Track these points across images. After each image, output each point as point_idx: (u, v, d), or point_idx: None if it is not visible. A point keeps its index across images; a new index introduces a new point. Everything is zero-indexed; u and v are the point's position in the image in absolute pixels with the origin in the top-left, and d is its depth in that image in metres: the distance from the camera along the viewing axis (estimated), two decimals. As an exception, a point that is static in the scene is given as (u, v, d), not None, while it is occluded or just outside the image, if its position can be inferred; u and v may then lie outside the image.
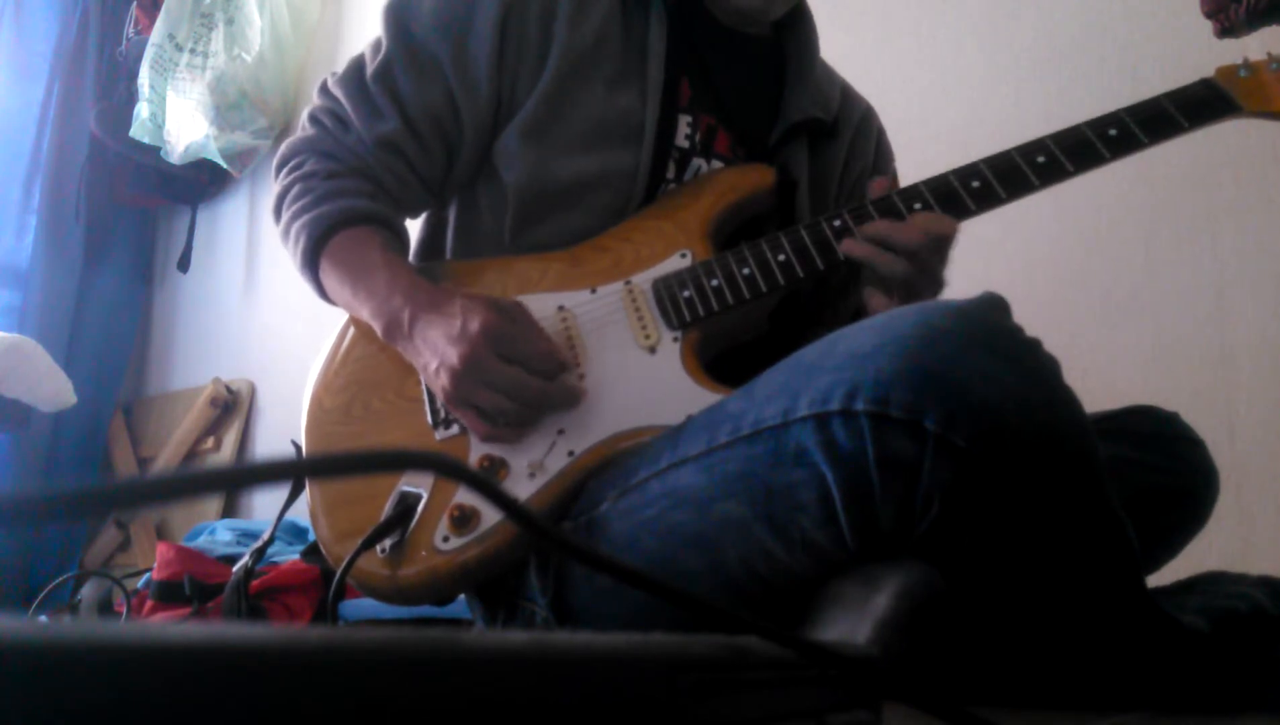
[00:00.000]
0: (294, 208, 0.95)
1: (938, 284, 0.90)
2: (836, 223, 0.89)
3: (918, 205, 0.89)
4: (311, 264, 0.94)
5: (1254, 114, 0.91)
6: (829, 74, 1.12)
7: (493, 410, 0.83)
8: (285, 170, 0.99)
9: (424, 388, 0.90)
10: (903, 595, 0.61)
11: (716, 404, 0.79)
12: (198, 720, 0.19)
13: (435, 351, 0.84)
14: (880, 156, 1.14)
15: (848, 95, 1.13)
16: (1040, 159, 0.88)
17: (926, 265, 0.87)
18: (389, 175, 0.97)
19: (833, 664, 0.36)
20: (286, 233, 0.96)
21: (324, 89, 1.01)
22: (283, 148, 1.01)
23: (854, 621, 0.60)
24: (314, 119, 1.01)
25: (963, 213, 0.88)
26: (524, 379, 0.82)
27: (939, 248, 0.88)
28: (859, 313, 1.03)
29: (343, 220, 0.93)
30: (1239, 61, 0.91)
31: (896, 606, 0.60)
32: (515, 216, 0.96)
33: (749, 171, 0.98)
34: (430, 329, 0.85)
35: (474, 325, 0.82)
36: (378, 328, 0.90)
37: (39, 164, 3.08)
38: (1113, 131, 0.88)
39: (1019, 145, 0.90)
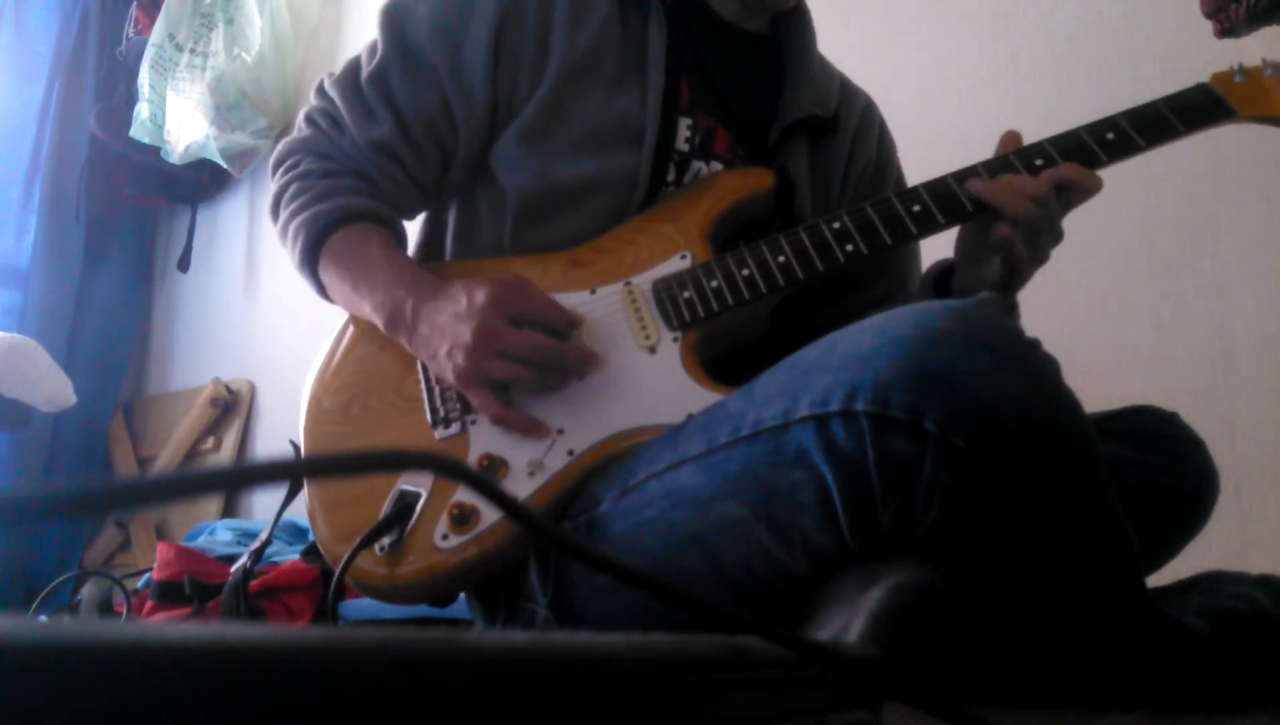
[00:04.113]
0: (291, 206, 0.95)
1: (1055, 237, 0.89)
2: (836, 225, 0.89)
3: (916, 206, 0.89)
4: (310, 262, 0.94)
5: (1250, 119, 0.91)
6: (827, 69, 1.12)
7: (510, 380, 0.83)
8: (281, 170, 0.99)
9: (423, 387, 0.90)
10: (897, 590, 0.61)
11: (716, 404, 0.79)
12: (198, 720, 0.19)
13: (444, 334, 0.84)
14: (884, 147, 1.14)
15: (846, 89, 1.12)
16: (1038, 162, 0.88)
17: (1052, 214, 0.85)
18: (383, 178, 0.97)
19: (833, 664, 0.36)
20: (284, 231, 0.96)
21: (320, 90, 1.01)
22: (279, 147, 1.01)
23: (848, 616, 0.60)
24: (310, 120, 1.01)
25: (962, 214, 0.88)
26: (538, 339, 0.83)
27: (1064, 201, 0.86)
28: (882, 302, 1.03)
29: (341, 218, 0.93)
30: (1235, 66, 0.91)
31: (890, 600, 0.60)
32: (515, 219, 0.96)
33: (748, 175, 0.98)
34: (437, 314, 0.85)
35: (480, 298, 0.82)
36: (380, 321, 0.90)
37: (39, 164, 3.08)
38: (1110, 135, 0.88)
39: (1017, 148, 0.90)
